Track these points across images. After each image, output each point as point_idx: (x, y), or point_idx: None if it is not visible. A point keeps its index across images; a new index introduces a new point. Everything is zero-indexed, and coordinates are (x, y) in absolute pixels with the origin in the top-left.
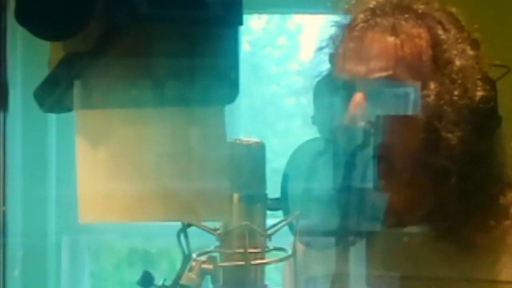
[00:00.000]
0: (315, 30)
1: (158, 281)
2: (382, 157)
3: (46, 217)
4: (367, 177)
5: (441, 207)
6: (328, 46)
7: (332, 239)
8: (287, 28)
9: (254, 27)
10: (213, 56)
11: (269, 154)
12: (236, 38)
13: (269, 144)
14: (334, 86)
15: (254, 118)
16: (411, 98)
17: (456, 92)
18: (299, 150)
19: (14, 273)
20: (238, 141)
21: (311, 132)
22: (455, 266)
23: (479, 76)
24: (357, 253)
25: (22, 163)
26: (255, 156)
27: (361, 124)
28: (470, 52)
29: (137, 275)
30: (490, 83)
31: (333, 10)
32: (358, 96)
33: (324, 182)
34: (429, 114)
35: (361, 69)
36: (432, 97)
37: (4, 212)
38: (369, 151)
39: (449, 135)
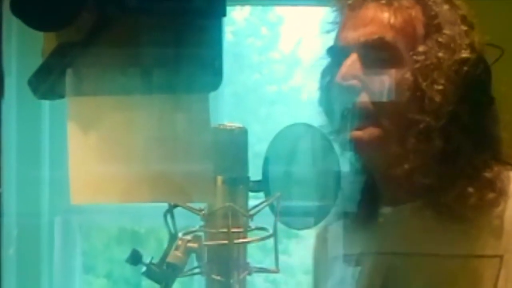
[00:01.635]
0: (295, 21)
1: (146, 259)
2: (369, 116)
3: (39, 198)
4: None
5: (424, 168)
6: (334, 30)
7: (311, 219)
8: (268, 19)
9: (237, 18)
10: (198, 45)
11: (251, 139)
12: (220, 29)
13: (251, 129)
14: (332, 59)
15: (237, 105)
16: (400, 60)
17: (441, 54)
18: (279, 135)
19: (9, 252)
20: (221, 126)
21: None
22: (441, 242)
23: (466, 43)
24: (357, 231)
25: (17, 147)
26: (238, 140)
27: (352, 82)
28: (460, 25)
29: (126, 253)
30: (480, 57)
31: (313, 2)
32: (351, 58)
33: (304, 164)
34: (416, 74)
35: (354, 35)
36: (420, 57)
37: (0, 194)
38: (358, 107)
39: (434, 93)
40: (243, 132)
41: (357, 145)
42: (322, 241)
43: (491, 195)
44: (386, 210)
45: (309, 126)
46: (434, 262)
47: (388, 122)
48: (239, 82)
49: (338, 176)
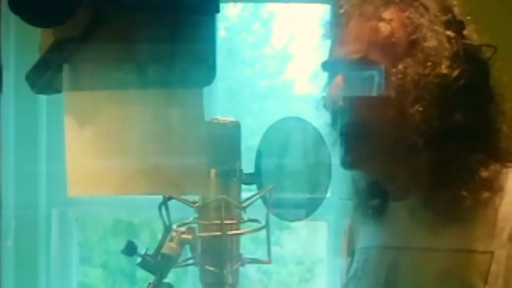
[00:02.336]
0: (286, 17)
1: (141, 250)
2: (357, 134)
3: (37, 191)
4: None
5: (416, 178)
6: (328, 36)
7: (302, 211)
8: (260, 16)
9: (230, 14)
10: (192, 41)
11: (244, 133)
12: (213, 25)
13: (244, 123)
14: (327, 71)
15: (230, 99)
16: (381, 78)
17: (421, 70)
18: (271, 128)
19: (8, 243)
20: (215, 121)
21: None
22: (436, 237)
23: (448, 55)
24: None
25: (15, 141)
26: (231, 134)
27: (339, 103)
28: (443, 33)
29: (121, 245)
30: (472, 61)
31: None
32: (338, 78)
33: (295, 157)
34: (397, 91)
35: (341, 52)
36: (399, 76)
37: None
38: (345, 128)
39: (413, 111)
40: (236, 126)
41: (350, 167)
42: (350, 233)
43: (486, 195)
44: (390, 204)
45: (300, 120)
46: (428, 256)
47: (376, 139)
48: (232, 77)
49: (329, 168)
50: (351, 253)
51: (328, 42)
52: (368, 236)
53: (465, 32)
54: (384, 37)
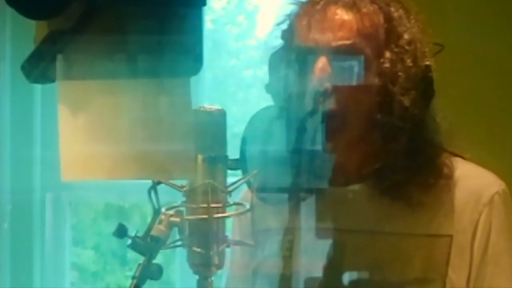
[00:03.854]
0: (270, 9)
1: (131, 233)
2: (340, 117)
3: (32, 176)
4: (323, 137)
5: (388, 165)
6: (284, 23)
7: (285, 195)
8: (245, 8)
9: (215, 7)
10: (180, 33)
11: (229, 120)
12: (200, 17)
13: (230, 111)
14: (294, 55)
15: (216, 88)
16: (369, 65)
17: (408, 61)
18: (256, 116)
19: (4, 226)
20: (202, 109)
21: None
22: (397, 222)
23: (425, 49)
24: (307, 208)
25: (11, 128)
26: (217, 122)
27: (326, 85)
28: (416, 29)
29: (112, 227)
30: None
31: None
32: (322, 61)
33: (278, 144)
34: (384, 79)
35: (325, 37)
36: (388, 64)
37: None
38: (329, 111)
39: (402, 98)
40: (222, 114)
41: (330, 147)
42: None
43: (442, 181)
44: (344, 190)
45: (282, 106)
46: (389, 240)
47: (357, 124)
48: (218, 67)
49: (310, 155)
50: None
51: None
52: (293, 217)
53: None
54: (371, 26)
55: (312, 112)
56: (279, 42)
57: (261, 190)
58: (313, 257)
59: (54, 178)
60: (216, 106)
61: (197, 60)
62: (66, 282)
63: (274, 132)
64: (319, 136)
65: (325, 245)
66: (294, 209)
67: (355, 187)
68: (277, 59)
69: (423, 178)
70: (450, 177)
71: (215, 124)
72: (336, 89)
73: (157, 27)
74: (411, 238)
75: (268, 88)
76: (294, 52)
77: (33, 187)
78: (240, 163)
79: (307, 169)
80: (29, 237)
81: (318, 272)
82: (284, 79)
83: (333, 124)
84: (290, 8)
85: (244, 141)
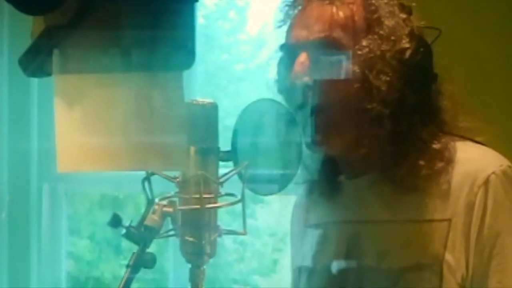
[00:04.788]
0: (261, 5)
1: (126, 222)
2: (323, 110)
3: (29, 167)
4: (311, 131)
5: (378, 150)
6: (285, 24)
7: (276, 186)
8: (236, 4)
9: (207, 2)
10: (173, 28)
11: (221, 113)
12: (193, 13)
13: (221, 104)
14: (285, 54)
15: (208, 82)
16: (346, 55)
17: (384, 46)
18: (247, 109)
19: (2, 216)
20: (194, 102)
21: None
22: (398, 210)
23: (406, 33)
24: (313, 201)
25: (8, 120)
26: (209, 114)
27: (305, 79)
28: (399, 15)
29: (107, 217)
30: (420, 41)
31: None
32: (302, 56)
33: (269, 136)
34: (362, 66)
35: (303, 33)
36: (364, 51)
37: None
38: (312, 104)
39: (379, 83)
40: (214, 107)
41: (319, 142)
42: (300, 210)
43: (439, 164)
44: (345, 182)
45: (273, 101)
46: (390, 227)
47: (341, 113)
48: (210, 61)
49: (299, 147)
50: (302, 231)
51: (281, 29)
52: (322, 213)
53: (411, 17)
54: (346, 17)
55: (298, 106)
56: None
57: (251, 180)
58: (320, 248)
59: (51, 169)
60: (208, 99)
61: (189, 55)
62: (62, 270)
63: (265, 124)
64: (307, 130)
65: (337, 237)
66: (319, 204)
67: (358, 178)
68: (281, 61)
69: (417, 162)
70: (450, 160)
71: (207, 116)
72: (317, 82)
73: (150, 22)
74: (411, 224)
75: (279, 89)
76: (285, 51)
77: (30, 178)
78: (232, 155)
79: (301, 156)
80: (26, 227)
81: (322, 262)
82: (283, 78)
83: (318, 117)
84: (283, 5)
85: (235, 133)
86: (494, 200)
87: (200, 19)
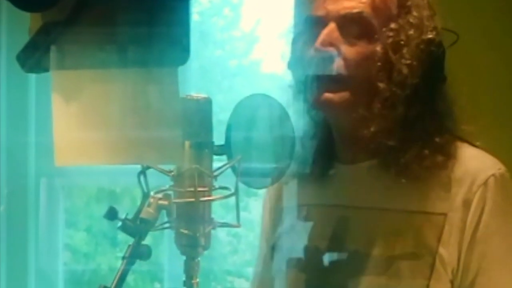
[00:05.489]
0: (254, 3)
1: (121, 215)
2: (340, 78)
3: (27, 161)
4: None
5: (385, 132)
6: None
7: (269, 179)
8: (230, 1)
9: (202, 0)
10: (168, 25)
11: (215, 108)
12: (188, 10)
13: (215, 99)
14: (310, 26)
15: (202, 77)
16: (374, 34)
17: (411, 33)
18: (240, 104)
19: (0, 209)
20: (189, 97)
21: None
22: (395, 199)
23: (432, 26)
24: (310, 185)
25: (7, 115)
26: (203, 109)
27: (330, 48)
28: (427, 9)
29: (103, 210)
30: (440, 39)
31: None
32: (330, 26)
33: (262, 130)
34: (387, 48)
35: (335, 7)
36: (392, 34)
37: None
38: (332, 71)
39: (402, 66)
40: (208, 102)
41: (327, 105)
42: (278, 188)
43: (441, 158)
44: (343, 166)
45: (266, 96)
46: (384, 215)
47: (358, 88)
48: (204, 57)
49: (292, 141)
50: (278, 209)
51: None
52: (307, 195)
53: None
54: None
55: (315, 76)
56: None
57: (245, 174)
58: (314, 232)
59: (48, 163)
60: (202, 95)
61: (184, 51)
62: (59, 262)
63: (258, 119)
64: (321, 97)
65: (329, 221)
66: (305, 187)
67: (357, 165)
68: (299, 35)
69: (421, 150)
70: (450, 156)
71: (201, 111)
72: (340, 53)
73: (146, 19)
74: (406, 214)
75: (289, 65)
76: (310, 22)
77: (28, 172)
78: (225, 149)
79: (294, 150)
80: (24, 220)
81: (317, 246)
82: (302, 53)
83: (333, 84)
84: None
85: (229, 128)
86: (492, 200)
87: (194, 16)
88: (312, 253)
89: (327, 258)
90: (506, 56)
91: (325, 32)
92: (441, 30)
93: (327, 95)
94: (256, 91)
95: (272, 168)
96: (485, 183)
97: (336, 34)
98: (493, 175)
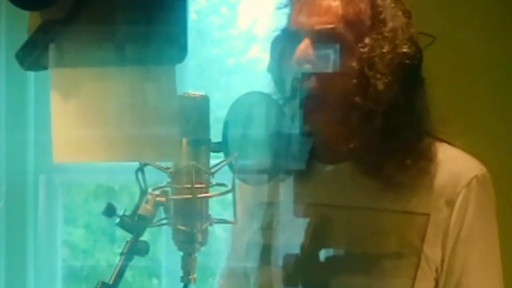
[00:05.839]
0: (251, 1)
1: (120, 212)
2: (318, 96)
3: (25, 158)
4: (303, 115)
5: (366, 144)
6: (287, 7)
7: (265, 176)
8: (227, 0)
9: None
10: (165, 23)
11: (212, 105)
12: (185, 8)
13: (213, 97)
14: (286, 38)
15: (200, 75)
16: (349, 49)
17: (386, 47)
18: (237, 101)
19: None
20: (186, 94)
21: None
22: (377, 199)
23: (407, 37)
24: (294, 184)
25: (6, 113)
26: (200, 107)
27: (306, 66)
28: (401, 18)
29: (102, 207)
30: (416, 46)
31: None
32: (305, 42)
33: (259, 128)
34: (362, 63)
35: (310, 21)
36: (366, 49)
37: None
38: (308, 90)
39: (377, 82)
40: (205, 99)
41: (307, 123)
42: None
43: (423, 163)
44: (323, 166)
45: (263, 94)
46: (369, 215)
47: (336, 105)
48: (202, 55)
49: (289, 138)
50: (252, 207)
51: (281, 11)
52: (284, 192)
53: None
54: (354, 13)
55: (295, 91)
56: (277, 25)
57: (242, 170)
58: (297, 231)
59: (47, 160)
60: (199, 92)
61: (181, 49)
62: (58, 258)
63: (255, 116)
64: (301, 114)
65: (309, 219)
66: (283, 185)
67: (338, 165)
68: (277, 41)
69: (403, 159)
70: (431, 160)
71: (198, 109)
72: (316, 70)
73: (144, 17)
74: (390, 214)
75: (269, 68)
76: (286, 35)
77: (27, 169)
78: (222, 146)
79: (293, 147)
80: (23, 216)
81: (302, 245)
82: (280, 61)
83: (311, 102)
84: None
85: (226, 125)
86: (475, 201)
87: (192, 14)
88: (293, 251)
89: (308, 257)
90: (485, 55)
91: (300, 48)
92: (418, 34)
93: (308, 113)
94: (252, 89)
95: (268, 165)
96: (468, 184)
97: (311, 50)
98: (475, 176)
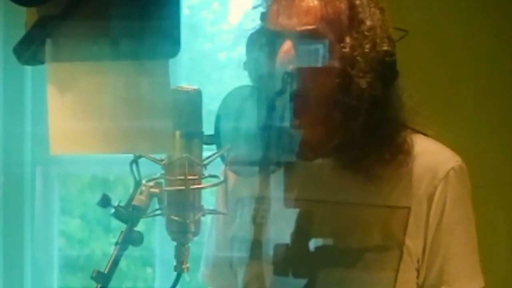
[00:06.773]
0: None
1: (115, 202)
2: (302, 97)
3: (22, 150)
4: (289, 114)
5: (348, 141)
6: (261, 6)
7: (256, 168)
8: None
9: None
10: (159, 18)
11: (205, 99)
12: (178, 4)
13: (205, 90)
14: (265, 38)
15: (192, 69)
16: (330, 49)
17: (367, 46)
18: (229, 95)
19: None
20: (179, 88)
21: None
22: (358, 193)
23: (385, 35)
24: (277, 179)
25: (3, 106)
26: (193, 100)
27: (290, 67)
28: (378, 15)
29: (97, 198)
30: (393, 42)
31: None
32: (287, 44)
33: (250, 121)
34: (344, 62)
35: (290, 23)
36: (347, 49)
37: None
38: (293, 91)
39: (360, 80)
40: (198, 93)
41: (292, 125)
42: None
43: (401, 157)
44: (304, 162)
45: (254, 87)
46: (351, 210)
47: (318, 102)
48: (194, 49)
49: (278, 130)
50: (235, 201)
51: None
52: (268, 188)
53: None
54: (334, 13)
55: (279, 92)
56: (253, 24)
57: (233, 163)
58: (281, 225)
59: (44, 152)
60: (192, 86)
61: (175, 44)
62: (54, 248)
63: (246, 109)
64: (286, 114)
65: (293, 214)
66: (266, 180)
67: (321, 160)
68: (253, 40)
69: (383, 154)
70: (409, 152)
71: (191, 102)
72: (299, 71)
73: (138, 13)
74: (371, 208)
75: (245, 66)
76: (265, 35)
77: (24, 161)
78: (215, 139)
79: (276, 144)
80: (20, 207)
81: (286, 239)
82: (258, 59)
83: (297, 102)
84: None
85: (218, 118)
86: (453, 193)
87: (185, 10)
88: (277, 245)
89: (292, 251)
90: (458, 44)
91: (283, 50)
92: (392, 28)
93: (292, 113)
94: (244, 82)
95: (259, 157)
96: (446, 176)
97: (293, 52)
98: (452, 168)
